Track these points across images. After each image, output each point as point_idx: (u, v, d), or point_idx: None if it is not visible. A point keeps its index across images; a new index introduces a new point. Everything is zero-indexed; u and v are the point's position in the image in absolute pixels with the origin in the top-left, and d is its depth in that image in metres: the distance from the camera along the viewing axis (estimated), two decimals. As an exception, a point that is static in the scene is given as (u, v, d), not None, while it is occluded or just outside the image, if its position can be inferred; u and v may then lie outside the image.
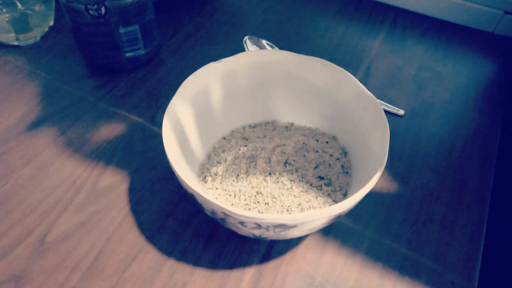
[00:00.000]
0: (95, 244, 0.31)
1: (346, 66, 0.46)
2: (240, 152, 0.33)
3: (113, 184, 0.35)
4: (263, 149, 0.33)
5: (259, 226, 0.24)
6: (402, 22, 0.52)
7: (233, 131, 0.36)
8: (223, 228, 0.32)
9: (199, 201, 0.26)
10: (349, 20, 0.52)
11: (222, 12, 0.53)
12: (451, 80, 0.46)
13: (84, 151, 0.37)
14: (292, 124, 0.37)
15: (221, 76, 0.34)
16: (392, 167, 0.37)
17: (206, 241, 0.32)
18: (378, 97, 0.43)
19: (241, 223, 0.25)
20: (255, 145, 0.34)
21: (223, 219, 0.26)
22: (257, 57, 0.34)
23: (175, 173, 0.26)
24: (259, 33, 0.50)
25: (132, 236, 0.32)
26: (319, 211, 0.24)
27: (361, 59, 0.47)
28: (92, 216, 0.33)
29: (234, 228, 0.27)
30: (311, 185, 0.31)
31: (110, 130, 0.39)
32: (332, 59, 0.47)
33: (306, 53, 0.48)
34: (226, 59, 0.33)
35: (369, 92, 0.31)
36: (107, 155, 0.37)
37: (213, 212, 0.26)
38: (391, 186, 0.36)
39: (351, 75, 0.33)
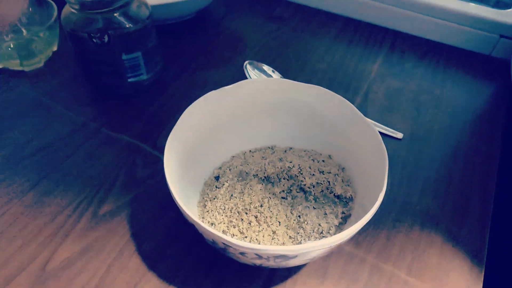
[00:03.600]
0: (96, 272, 0.31)
1: (345, 90, 0.47)
2: (240, 177, 0.34)
3: (115, 211, 0.35)
4: (263, 171, 0.33)
5: (259, 256, 0.25)
6: (401, 45, 0.53)
7: (233, 157, 0.36)
8: (224, 255, 0.32)
9: (200, 231, 0.26)
10: (348, 44, 0.53)
11: (223, 37, 0.54)
12: (449, 103, 0.46)
13: (86, 177, 0.37)
14: (291, 148, 0.37)
15: (222, 104, 0.34)
16: (392, 191, 0.37)
17: (207, 268, 0.32)
18: (376, 121, 0.43)
19: (242, 253, 0.25)
20: (253, 167, 0.34)
21: (223, 249, 0.26)
22: (257, 86, 0.35)
23: (177, 204, 0.27)
24: (259, 58, 0.50)
25: (133, 263, 0.32)
26: (319, 242, 0.24)
27: (360, 83, 0.48)
28: (94, 243, 0.33)
29: (234, 258, 0.27)
30: (314, 208, 0.31)
31: (112, 156, 0.39)
32: (331, 83, 0.48)
33: (306, 76, 0.48)
34: (227, 87, 0.34)
35: (367, 120, 0.32)
36: (110, 181, 0.37)
37: (213, 242, 0.26)
38: (391, 211, 0.36)
39: (349, 103, 0.33)
